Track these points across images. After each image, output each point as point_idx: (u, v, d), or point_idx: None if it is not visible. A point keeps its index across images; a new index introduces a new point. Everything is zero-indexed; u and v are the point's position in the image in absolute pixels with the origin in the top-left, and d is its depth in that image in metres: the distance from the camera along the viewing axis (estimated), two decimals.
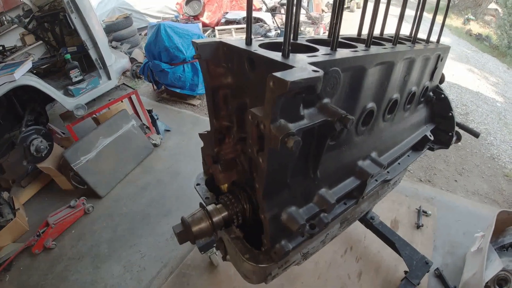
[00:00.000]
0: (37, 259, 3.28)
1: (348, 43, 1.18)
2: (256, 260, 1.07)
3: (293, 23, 0.86)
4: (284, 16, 10.13)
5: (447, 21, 16.34)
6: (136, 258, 3.22)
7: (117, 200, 3.95)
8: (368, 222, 2.93)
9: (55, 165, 3.86)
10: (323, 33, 10.22)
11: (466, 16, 16.48)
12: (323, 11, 12.50)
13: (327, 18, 11.90)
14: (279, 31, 8.25)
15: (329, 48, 0.99)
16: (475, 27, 15.39)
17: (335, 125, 0.84)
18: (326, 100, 0.90)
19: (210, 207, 1.15)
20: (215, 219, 1.13)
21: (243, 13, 9.77)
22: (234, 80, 1.07)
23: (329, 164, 1.12)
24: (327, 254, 3.06)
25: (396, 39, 1.28)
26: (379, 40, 1.37)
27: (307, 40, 1.14)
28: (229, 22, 9.69)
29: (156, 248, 3.29)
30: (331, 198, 1.07)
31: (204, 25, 10.07)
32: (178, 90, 5.96)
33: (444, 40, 11.89)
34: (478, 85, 8.20)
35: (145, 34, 9.41)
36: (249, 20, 0.98)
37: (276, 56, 0.86)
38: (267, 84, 0.68)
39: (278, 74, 0.66)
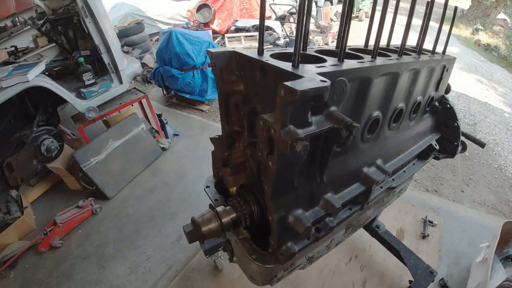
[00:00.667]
0: (42, 257, 3.32)
1: (355, 54, 1.23)
2: (263, 260, 1.11)
3: (303, 35, 0.90)
4: (292, 25, 10.25)
5: (456, 31, 16.34)
6: (142, 259, 3.26)
7: (125, 202, 4.01)
8: (373, 230, 2.93)
9: (64, 165, 3.93)
10: (331, 42, 10.30)
11: (475, 26, 16.48)
12: (331, 20, 12.59)
13: (335, 27, 12.00)
14: (287, 40, 8.35)
15: (337, 59, 1.04)
16: (484, 37, 15.37)
17: (341, 132, 0.89)
18: (333, 108, 0.95)
19: (219, 208, 1.19)
20: (224, 220, 1.17)
21: (253, 21, 9.89)
22: (246, 88, 1.12)
23: (335, 170, 1.16)
24: (332, 262, 3.07)
25: (401, 50, 1.32)
26: (385, 51, 1.41)
27: (316, 51, 1.19)
28: (238, 30, 9.82)
29: (162, 250, 3.32)
30: (337, 202, 1.11)
31: (214, 32, 10.21)
32: (187, 96, 6.05)
33: (453, 50, 11.95)
34: (486, 96, 8.16)
35: (156, 40, 9.56)
36: (262, 32, 1.04)
37: (287, 66, 0.90)
38: (278, 93, 0.72)
39: (288, 83, 0.71)
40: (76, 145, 4.48)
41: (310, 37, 9.23)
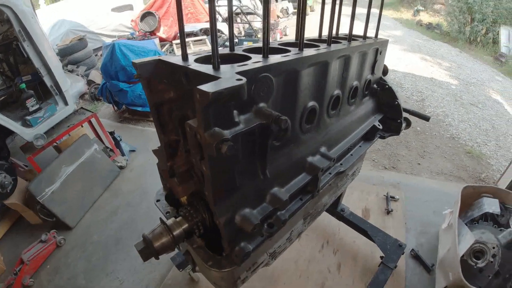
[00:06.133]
0: None
1: (283, 48, 1.24)
2: (219, 265, 1.10)
3: (217, 37, 0.90)
4: (240, 25, 10.28)
5: (398, 14, 17.16)
6: (115, 285, 3.14)
7: (88, 229, 3.84)
8: (339, 214, 3.02)
9: (21, 200, 3.72)
10: (280, 38, 10.45)
11: (416, 8, 17.35)
12: (278, 17, 12.80)
13: (282, 23, 12.22)
14: (236, 40, 8.37)
15: (261, 55, 1.05)
16: (425, 17, 16.22)
17: (271, 127, 0.89)
18: (262, 105, 0.96)
19: (169, 221, 1.17)
20: (175, 232, 1.14)
21: (200, 25, 9.83)
22: (176, 95, 1.11)
23: (278, 163, 1.17)
24: (306, 252, 3.13)
25: (329, 39, 1.36)
26: (317, 42, 1.45)
27: (244, 50, 1.20)
28: (186, 35, 9.69)
29: (134, 272, 3.22)
30: (284, 195, 1.12)
31: (161, 40, 10.05)
32: (139, 109, 5.90)
33: (395, 33, 12.54)
34: (432, 72, 8.63)
35: (101, 55, 9.27)
36: (183, 37, 1.02)
37: (208, 69, 0.90)
38: (194, 96, 0.72)
39: (202, 86, 0.70)
40: (30, 176, 4.22)
41: (259, 35, 9.32)
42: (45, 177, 3.72)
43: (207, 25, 10.01)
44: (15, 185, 3.57)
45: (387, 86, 2.01)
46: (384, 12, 1.85)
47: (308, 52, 1.18)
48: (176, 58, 1.06)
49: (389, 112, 2.04)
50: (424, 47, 11.13)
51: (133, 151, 5.22)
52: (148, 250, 1.13)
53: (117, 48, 5.25)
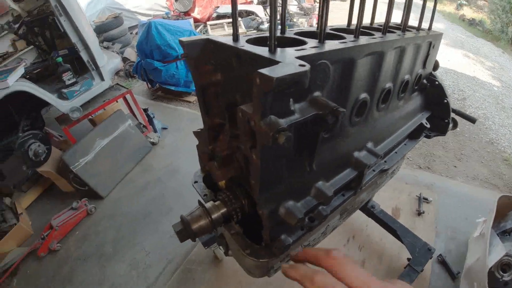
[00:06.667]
0: (43, 262, 3.32)
1: (337, 34, 1.17)
2: (257, 255, 1.07)
3: (277, 17, 0.84)
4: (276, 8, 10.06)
5: (440, 7, 16.30)
6: (141, 256, 3.26)
7: (119, 200, 3.97)
8: (369, 211, 2.94)
9: (54, 168, 3.89)
10: (316, 24, 10.15)
11: (459, 2, 16.46)
12: (315, 1, 12.41)
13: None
14: (267, 25, 8.19)
15: (317, 40, 0.98)
16: (468, 12, 15.38)
17: (327, 118, 0.84)
18: (316, 94, 0.90)
19: (208, 205, 1.15)
20: (214, 216, 1.12)
21: None
22: (224, 77, 1.06)
23: (325, 157, 1.12)
24: (330, 244, 3.06)
25: (385, 28, 1.27)
26: (369, 29, 1.36)
27: (295, 33, 1.13)
28: (220, 16, 9.64)
29: (160, 246, 3.32)
30: (329, 190, 1.07)
31: (196, 20, 10.02)
32: (172, 88, 5.96)
33: (438, 26, 11.93)
34: (474, 70, 8.15)
35: (136, 33, 9.39)
36: (235, 17, 0.97)
37: (263, 51, 0.85)
38: (253, 81, 0.67)
39: (264, 70, 0.66)
40: (64, 147, 4.41)
41: (294, 19, 9.10)
42: (80, 148, 3.86)
43: (243, 7, 9.88)
44: (49, 154, 3.72)
45: (437, 82, 1.89)
46: (428, 4, 1.71)
47: (365, 40, 1.10)
48: (226, 38, 1.02)
49: (437, 111, 1.92)
50: (467, 44, 10.51)
51: (165, 128, 5.31)
52: (186, 232, 1.11)
53: (153, 27, 5.27)
